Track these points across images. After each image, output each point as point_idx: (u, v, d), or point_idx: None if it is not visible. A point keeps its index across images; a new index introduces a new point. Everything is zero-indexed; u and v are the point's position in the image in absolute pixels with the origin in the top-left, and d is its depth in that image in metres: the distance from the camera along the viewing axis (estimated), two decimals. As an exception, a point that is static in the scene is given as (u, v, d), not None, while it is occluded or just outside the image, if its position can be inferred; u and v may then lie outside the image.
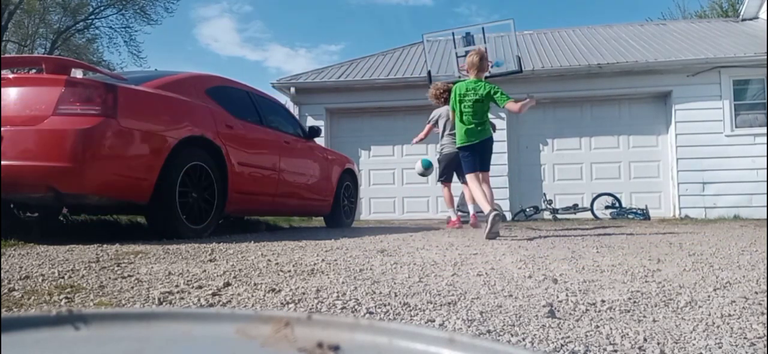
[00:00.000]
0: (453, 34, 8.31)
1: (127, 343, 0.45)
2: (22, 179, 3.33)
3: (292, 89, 10.36)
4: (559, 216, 9.34)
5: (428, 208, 10.27)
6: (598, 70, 9.60)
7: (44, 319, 0.47)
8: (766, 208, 8.46)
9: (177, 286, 1.97)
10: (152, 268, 2.38)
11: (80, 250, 2.96)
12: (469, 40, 8.07)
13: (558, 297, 1.82)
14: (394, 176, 10.45)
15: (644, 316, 1.59)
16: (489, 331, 1.41)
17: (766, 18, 10.92)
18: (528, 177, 10.05)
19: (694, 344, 1.32)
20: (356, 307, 1.68)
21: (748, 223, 6.95)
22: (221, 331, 0.47)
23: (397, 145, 10.35)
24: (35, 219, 4.83)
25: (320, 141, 7.63)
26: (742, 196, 9.07)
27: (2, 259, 2.57)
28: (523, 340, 1.35)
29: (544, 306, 1.65)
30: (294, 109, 10.12)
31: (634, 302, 1.76)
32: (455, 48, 8.13)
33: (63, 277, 2.11)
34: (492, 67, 7.87)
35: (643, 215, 9.02)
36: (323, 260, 2.70)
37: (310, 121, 9.69)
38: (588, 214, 9.38)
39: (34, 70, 4.78)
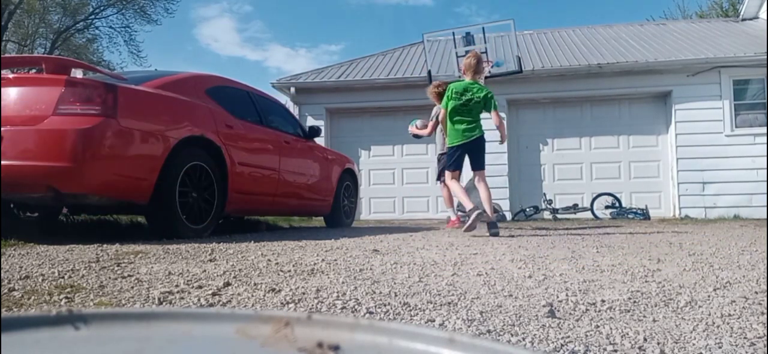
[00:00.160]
0: (453, 34, 8.31)
1: (127, 343, 0.45)
2: (22, 179, 3.33)
3: (292, 89, 10.37)
4: (559, 216, 9.34)
5: (428, 208, 10.27)
6: (598, 70, 9.60)
7: (44, 319, 0.47)
8: (766, 208, 8.46)
9: (177, 286, 1.97)
10: (152, 268, 2.38)
11: (80, 250, 2.96)
12: (469, 40, 8.07)
13: (558, 297, 1.82)
14: (394, 176, 10.46)
15: (644, 316, 1.59)
16: (489, 331, 1.41)
17: (766, 18, 10.92)
18: (528, 177, 10.06)
19: (694, 344, 1.32)
20: (356, 307, 1.68)
21: (748, 223, 6.96)
22: (221, 331, 0.47)
23: (397, 145, 10.36)
24: (35, 219, 4.84)
25: (320, 141, 7.63)
26: (742, 196, 9.08)
27: (2, 259, 2.57)
28: (523, 340, 1.35)
29: (544, 306, 1.65)
30: (294, 109, 10.13)
31: (634, 302, 1.76)
32: (455, 48, 8.13)
33: (63, 277, 2.11)
34: (492, 67, 7.87)
35: (643, 215, 9.02)
36: (323, 260, 2.70)
37: (310, 121, 9.70)
38: (588, 214, 9.38)
39: (34, 70, 4.78)
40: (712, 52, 9.64)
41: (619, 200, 9.46)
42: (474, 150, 4.90)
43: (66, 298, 1.76)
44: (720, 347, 1.30)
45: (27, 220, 4.76)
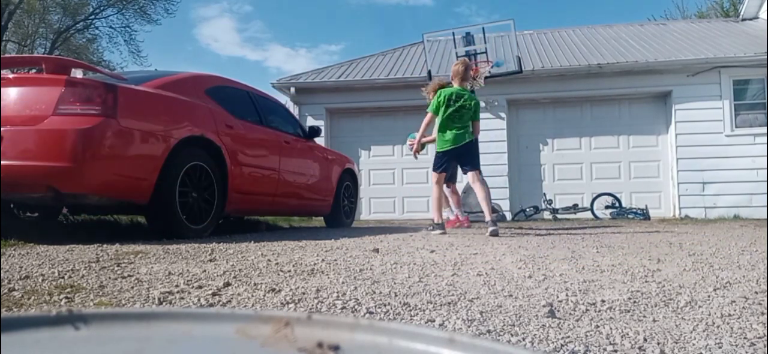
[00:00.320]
0: (453, 34, 8.30)
1: (127, 343, 0.45)
2: (22, 179, 3.33)
3: (292, 89, 10.37)
4: (559, 216, 9.35)
5: (428, 208, 10.25)
6: (598, 70, 9.60)
7: (44, 319, 0.47)
8: (766, 208, 8.46)
9: (177, 286, 1.97)
10: (152, 268, 2.38)
11: (80, 250, 2.96)
12: (469, 40, 8.07)
13: (558, 297, 1.82)
14: (394, 176, 10.46)
15: (644, 316, 1.59)
16: (489, 331, 1.41)
17: (766, 18, 10.92)
18: (528, 177, 10.06)
19: (694, 344, 1.32)
20: (356, 307, 1.68)
21: (748, 223, 6.96)
22: (221, 331, 0.47)
23: (397, 145, 10.36)
24: (35, 219, 4.83)
25: (320, 141, 7.63)
26: (742, 196, 9.08)
27: (2, 259, 2.57)
28: (523, 340, 1.35)
29: (544, 306, 1.65)
30: (294, 109, 10.13)
31: (634, 302, 1.76)
32: (455, 48, 8.12)
33: (63, 277, 2.11)
34: (492, 67, 7.87)
35: (643, 215, 9.02)
36: (323, 260, 2.70)
37: (310, 121, 9.70)
38: (588, 214, 9.38)
39: (34, 70, 4.78)
40: (712, 52, 9.64)
41: (619, 200, 9.46)
42: (465, 154, 5.05)
43: (66, 298, 1.76)
44: (720, 347, 1.30)
45: (27, 220, 4.76)
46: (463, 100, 4.96)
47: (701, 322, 1.52)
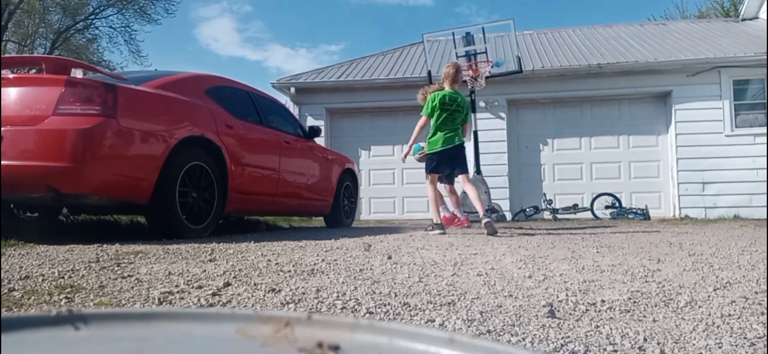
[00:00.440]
0: (453, 34, 8.30)
1: (127, 343, 0.45)
2: (22, 179, 3.32)
3: (292, 89, 10.37)
4: (559, 216, 9.34)
5: (428, 208, 10.24)
6: (598, 70, 9.60)
7: (44, 319, 0.47)
8: (766, 208, 8.46)
9: (177, 286, 1.97)
10: (152, 268, 2.38)
11: (80, 250, 2.96)
12: (469, 40, 8.06)
13: (558, 297, 1.82)
14: (394, 176, 10.46)
15: (644, 316, 1.59)
16: (489, 331, 1.41)
17: (766, 18, 10.92)
18: (528, 177, 10.06)
19: (694, 344, 1.32)
20: (356, 307, 1.68)
21: (748, 223, 6.96)
22: (221, 331, 0.47)
23: (397, 145, 10.35)
24: (35, 219, 4.83)
25: (320, 141, 7.63)
26: (742, 196, 9.08)
27: (2, 259, 2.57)
28: (523, 340, 1.35)
29: (544, 306, 1.65)
30: (294, 109, 10.13)
31: (634, 302, 1.76)
32: (455, 48, 8.12)
33: (63, 277, 2.11)
34: (492, 67, 7.87)
35: (643, 215, 9.02)
36: (323, 260, 2.70)
37: (310, 121, 9.70)
38: (588, 214, 9.38)
39: (34, 70, 4.78)
40: (712, 52, 9.64)
41: (619, 200, 9.46)
42: (455, 156, 5.13)
43: (66, 298, 1.76)
44: (720, 347, 1.30)
45: (27, 220, 4.76)
46: (455, 103, 5.05)
47: (701, 322, 1.52)
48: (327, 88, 10.43)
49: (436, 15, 46.40)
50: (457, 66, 5.29)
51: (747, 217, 8.72)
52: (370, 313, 1.61)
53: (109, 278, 2.11)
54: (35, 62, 4.97)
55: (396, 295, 1.84)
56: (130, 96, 3.71)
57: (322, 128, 7.38)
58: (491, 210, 6.64)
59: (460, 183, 5.27)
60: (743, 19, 12.11)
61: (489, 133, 9.55)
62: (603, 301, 1.75)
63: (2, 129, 3.28)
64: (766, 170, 8.80)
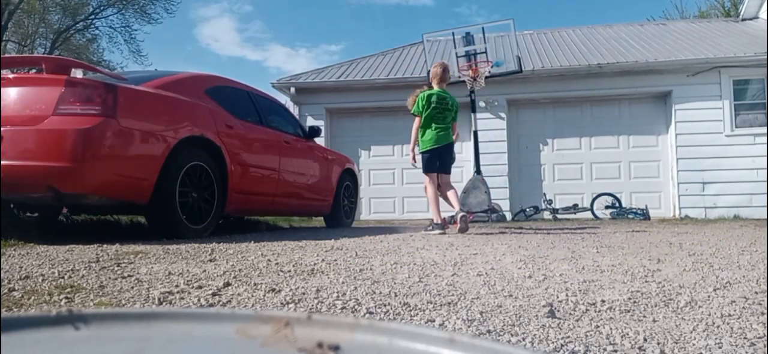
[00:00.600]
0: (453, 34, 8.29)
1: (127, 343, 0.45)
2: (22, 179, 3.32)
3: (292, 89, 10.37)
4: (559, 216, 9.34)
5: (428, 208, 10.25)
6: (598, 70, 9.60)
7: (44, 319, 0.47)
8: (766, 208, 8.46)
9: (177, 286, 1.97)
10: (152, 268, 2.38)
11: (80, 250, 2.96)
12: (469, 40, 8.05)
13: (558, 297, 1.82)
14: (394, 176, 10.45)
15: (644, 316, 1.59)
16: (489, 331, 1.41)
17: (766, 18, 10.92)
18: (528, 177, 10.06)
19: (694, 344, 1.32)
20: (356, 307, 1.68)
21: (748, 223, 6.96)
22: (221, 331, 0.47)
23: (397, 145, 10.36)
24: (35, 219, 4.83)
25: (320, 141, 7.63)
26: (742, 196, 9.07)
27: (2, 259, 2.57)
28: (523, 340, 1.35)
29: (544, 306, 1.65)
30: (294, 109, 10.13)
31: (634, 302, 1.76)
32: (455, 48, 8.11)
33: (63, 277, 2.11)
34: (492, 67, 7.86)
35: (643, 215, 9.02)
36: (323, 260, 2.70)
37: (310, 121, 9.70)
38: (588, 214, 9.38)
39: (34, 70, 4.78)
40: (712, 52, 9.64)
41: (619, 200, 9.46)
42: (445, 154, 5.20)
43: (66, 298, 1.76)
44: (720, 347, 1.30)
45: (27, 220, 4.76)
46: (445, 102, 5.13)
47: (701, 322, 1.52)
48: (327, 88, 10.43)
49: (436, 15, 46.43)
50: (445, 65, 5.35)
51: (747, 217, 8.71)
52: (370, 313, 1.61)
53: (109, 278, 2.11)
54: (35, 62, 4.97)
55: (396, 295, 1.84)
56: (130, 96, 3.71)
57: (322, 128, 7.38)
58: (491, 210, 6.65)
59: (440, 181, 5.31)
60: (743, 19, 12.11)
61: (489, 133, 9.55)
62: (603, 301, 1.75)
63: (2, 129, 3.28)
64: (766, 170, 8.79)
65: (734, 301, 1.78)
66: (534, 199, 9.84)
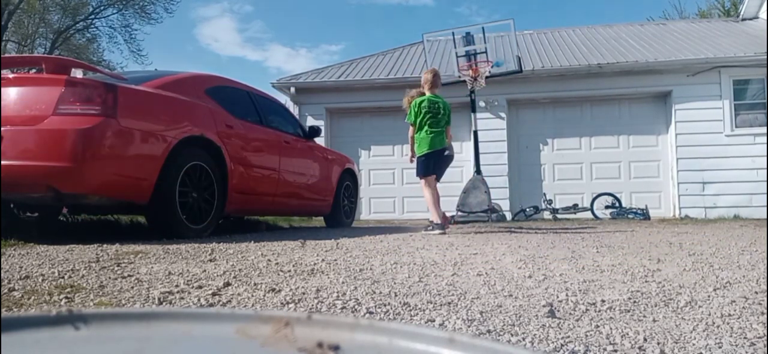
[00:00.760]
0: (453, 34, 8.29)
1: (127, 343, 0.45)
2: (22, 179, 3.32)
3: (292, 89, 10.36)
4: (559, 216, 9.34)
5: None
6: (598, 70, 9.60)
7: (44, 319, 0.47)
8: (766, 208, 8.46)
9: (177, 285, 1.97)
10: (152, 268, 2.38)
11: (80, 250, 2.96)
12: (469, 40, 8.05)
13: (558, 297, 1.82)
14: (394, 176, 10.45)
15: (644, 316, 1.59)
16: (489, 331, 1.41)
17: (766, 18, 10.92)
18: (528, 177, 10.05)
19: (694, 344, 1.32)
20: (356, 306, 1.68)
21: (748, 223, 6.96)
22: (221, 331, 0.47)
23: (397, 145, 10.35)
24: (35, 219, 4.83)
25: (320, 141, 7.63)
26: (742, 196, 9.07)
27: (2, 259, 2.57)
28: (523, 340, 1.35)
29: (544, 306, 1.65)
30: (294, 109, 10.12)
31: (634, 302, 1.76)
32: (455, 48, 8.11)
33: (63, 277, 2.11)
34: (492, 67, 7.86)
35: (643, 215, 9.02)
36: (323, 260, 2.70)
37: (310, 121, 9.70)
38: (588, 214, 9.38)
39: (34, 70, 4.78)
40: (712, 52, 9.64)
41: (619, 200, 9.46)
42: (440, 157, 5.29)
43: (66, 298, 1.76)
44: (720, 347, 1.30)
45: (27, 220, 4.76)
46: (437, 106, 5.23)
47: (701, 322, 1.52)
48: (327, 88, 10.43)
49: (436, 15, 46.41)
50: (435, 71, 5.49)
51: (747, 217, 8.71)
52: (370, 312, 1.61)
53: (109, 278, 2.11)
54: (35, 62, 4.97)
55: (396, 295, 1.84)
56: (130, 96, 3.71)
57: (322, 128, 7.38)
58: (491, 210, 6.64)
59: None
60: (743, 19, 12.11)
61: (489, 133, 9.54)
62: (603, 301, 1.75)
63: (2, 129, 3.28)
64: (766, 170, 8.79)
65: (734, 301, 1.78)
66: (534, 199, 9.84)
